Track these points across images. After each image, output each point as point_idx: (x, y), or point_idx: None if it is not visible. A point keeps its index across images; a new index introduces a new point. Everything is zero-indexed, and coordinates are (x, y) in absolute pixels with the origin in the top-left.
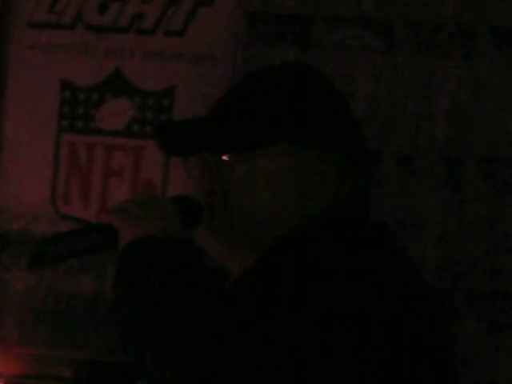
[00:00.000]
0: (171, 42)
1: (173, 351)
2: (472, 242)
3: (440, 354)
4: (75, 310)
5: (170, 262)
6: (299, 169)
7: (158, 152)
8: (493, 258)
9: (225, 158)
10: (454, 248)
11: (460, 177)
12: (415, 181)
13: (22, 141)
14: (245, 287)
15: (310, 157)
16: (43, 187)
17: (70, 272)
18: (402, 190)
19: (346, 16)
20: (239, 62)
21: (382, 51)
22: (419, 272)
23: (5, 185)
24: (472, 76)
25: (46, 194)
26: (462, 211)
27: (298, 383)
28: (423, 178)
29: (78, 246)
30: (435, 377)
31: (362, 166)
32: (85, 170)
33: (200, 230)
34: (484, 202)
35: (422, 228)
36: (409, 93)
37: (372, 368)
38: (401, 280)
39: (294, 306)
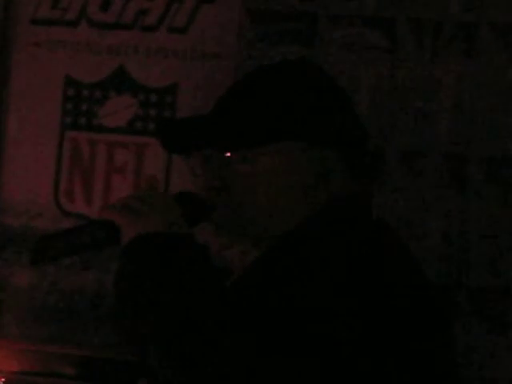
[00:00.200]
0: (175, 38)
1: (175, 347)
2: (475, 239)
3: (441, 350)
4: (77, 306)
5: (173, 258)
6: (302, 166)
7: (160, 149)
8: (496, 256)
9: (227, 155)
10: (457, 246)
11: (463, 174)
12: (418, 179)
13: (25, 137)
14: (247, 284)
15: (313, 154)
16: (46, 184)
17: (73, 269)
18: (405, 188)
19: (349, 14)
20: (243, 60)
21: (385, 49)
22: (421, 270)
23: (7, 181)
24: (475, 74)
25: (48, 191)
26: (466, 209)
27: (300, 378)
28: (426, 176)
29: (79, 243)
30: (436, 372)
31: (365, 164)
32: (88, 166)
33: (202, 226)
34: (487, 199)
35: (425, 226)
36: (412, 90)
37: (371, 363)
38: (403, 277)
39: (295, 303)
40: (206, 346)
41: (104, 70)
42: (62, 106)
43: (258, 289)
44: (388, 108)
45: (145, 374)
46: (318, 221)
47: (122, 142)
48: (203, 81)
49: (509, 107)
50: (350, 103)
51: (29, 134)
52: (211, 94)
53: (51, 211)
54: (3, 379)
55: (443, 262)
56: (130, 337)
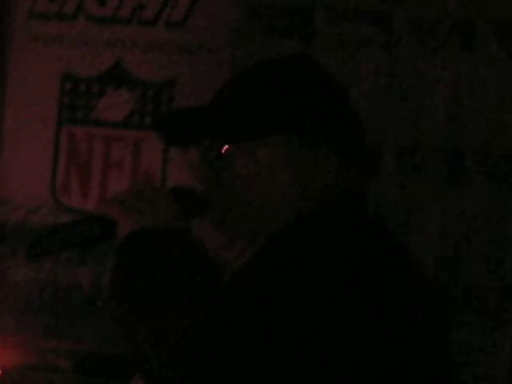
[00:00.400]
0: (172, 33)
1: (171, 342)
2: (472, 235)
3: (435, 345)
4: (73, 301)
5: (169, 253)
6: (298, 160)
7: (157, 143)
8: (492, 254)
9: (224, 148)
10: (453, 242)
11: (460, 170)
12: (415, 174)
13: (22, 132)
14: (243, 279)
15: (307, 149)
16: (43, 178)
17: (69, 263)
18: (402, 183)
19: (346, 9)
20: (240, 54)
21: (382, 44)
22: (419, 266)
23: (5, 176)
24: (472, 69)
25: (45, 185)
26: (462, 205)
27: (296, 375)
28: (423, 171)
29: (76, 237)
30: (433, 370)
31: (361, 159)
32: (84, 161)
33: (198, 221)
34: (484, 196)
35: (421, 221)
36: (409, 86)
37: (367, 359)
38: (399, 273)
39: (291, 298)
40: (203, 339)
41: (101, 65)
42: (60, 101)
43: (253, 285)
44: (386, 103)
45: (141, 369)
46: (314, 217)
47: (119, 137)
48: (200, 75)
49: (506, 103)
50: (347, 98)
51: (26, 128)
52: (208, 89)
53: (48, 205)
54: (0, 373)
55: (439, 258)
56: (126, 331)
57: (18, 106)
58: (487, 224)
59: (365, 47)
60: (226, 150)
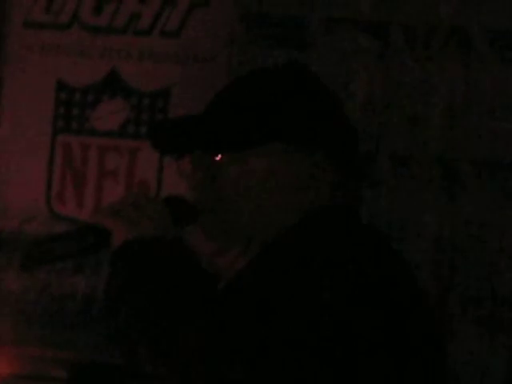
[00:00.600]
0: (167, 42)
1: (166, 351)
2: (468, 244)
3: (430, 355)
4: (69, 310)
5: (163, 263)
6: (290, 169)
7: (152, 153)
8: (489, 262)
9: (217, 157)
10: (449, 250)
11: (455, 179)
12: (410, 183)
13: (16, 141)
14: (238, 288)
15: (301, 157)
16: (38, 187)
17: (64, 272)
18: (397, 193)
19: (341, 18)
20: (235, 64)
21: (377, 53)
22: (411, 274)
23: None
24: (467, 78)
25: (40, 195)
26: (458, 214)
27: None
28: (418, 181)
29: (70, 248)
30: (425, 377)
31: (354, 167)
32: (79, 170)
33: (192, 231)
34: (480, 204)
35: (417, 230)
36: (404, 95)
37: (364, 366)
38: (393, 280)
39: (287, 307)
40: (197, 350)
41: (96, 74)
42: (54, 110)
43: (248, 293)
44: (380, 112)
45: (135, 378)
46: (307, 225)
47: (113, 146)
48: (195, 85)
49: (502, 111)
50: (341, 107)
51: (21, 137)
52: (203, 98)
53: (43, 215)
54: None
55: (435, 266)
56: (121, 341)
57: (12, 115)
58: (483, 232)
59: (360, 56)
60: (220, 159)
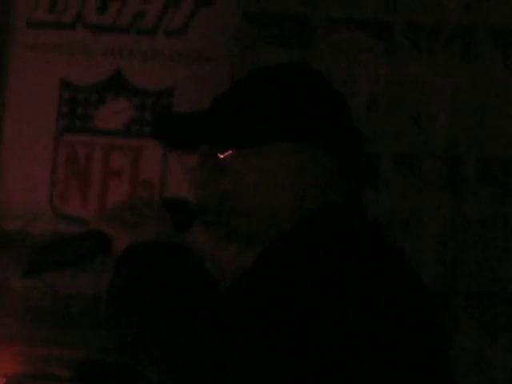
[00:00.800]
0: (171, 42)
1: (171, 354)
2: (472, 243)
3: (435, 354)
4: (73, 309)
5: (164, 267)
6: (295, 168)
7: (156, 152)
8: (493, 260)
9: (222, 154)
10: (453, 249)
11: (459, 178)
12: (414, 181)
13: (21, 140)
14: (243, 289)
15: (305, 156)
16: (42, 187)
17: (69, 272)
18: (401, 191)
19: (345, 17)
20: (239, 63)
21: (381, 52)
22: (416, 273)
23: (3, 184)
24: (471, 77)
25: (44, 194)
26: (462, 212)
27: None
28: (422, 179)
29: (71, 255)
30: (429, 377)
31: (357, 166)
32: (84, 169)
33: (195, 227)
34: (484, 203)
35: (421, 229)
36: (408, 94)
37: (367, 367)
38: (397, 279)
39: (294, 306)
40: (203, 354)
41: (100, 73)
42: (58, 109)
43: (254, 294)
44: (384, 111)
45: (140, 378)
46: (311, 224)
47: (118, 145)
48: (200, 84)
49: (505, 110)
50: (346, 106)
51: (25, 137)
52: (208, 97)
53: (47, 214)
54: (5, 379)
55: (439, 266)
56: (125, 345)
57: (16, 114)
58: (487, 231)
59: (363, 55)
60: (225, 156)
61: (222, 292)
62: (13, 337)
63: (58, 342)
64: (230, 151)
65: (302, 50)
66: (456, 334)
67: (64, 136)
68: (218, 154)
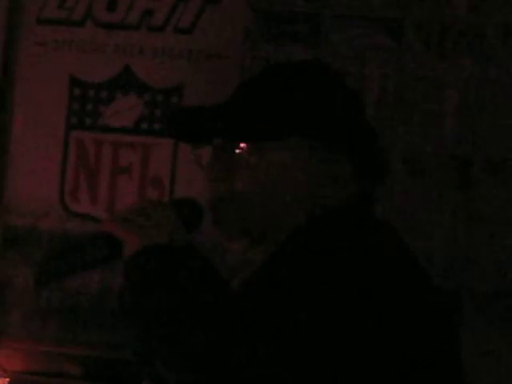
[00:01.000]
0: (181, 39)
1: (184, 355)
2: (481, 242)
3: (444, 352)
4: (82, 306)
5: (175, 270)
6: (308, 165)
7: (166, 149)
8: (502, 259)
9: (239, 148)
10: (462, 248)
11: (469, 176)
12: (424, 180)
13: (30, 137)
14: (254, 289)
15: (320, 154)
16: (51, 184)
17: None
18: (411, 190)
19: (355, 15)
20: (248, 60)
21: (391, 50)
22: (425, 271)
23: (13, 182)
24: (481, 75)
25: (54, 191)
26: (471, 211)
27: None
28: (432, 178)
29: (82, 261)
30: (439, 375)
31: (373, 165)
32: (93, 166)
33: (206, 223)
34: (493, 202)
35: (430, 228)
36: (418, 92)
37: (377, 364)
38: (407, 278)
39: (307, 303)
40: (215, 355)
41: (110, 70)
42: (68, 106)
43: (267, 292)
44: (394, 109)
45: (149, 376)
46: (323, 222)
47: (127, 143)
48: (209, 81)
49: None
50: (362, 107)
51: (34, 134)
52: (217, 95)
53: (56, 211)
54: (8, 379)
55: (449, 264)
56: (137, 344)
57: (26, 111)
58: (497, 229)
59: (373, 53)
60: (240, 150)
61: (234, 291)
62: (21, 334)
63: (67, 340)
64: (247, 146)
65: (311, 48)
66: (465, 331)
67: (73, 133)
68: (235, 149)
